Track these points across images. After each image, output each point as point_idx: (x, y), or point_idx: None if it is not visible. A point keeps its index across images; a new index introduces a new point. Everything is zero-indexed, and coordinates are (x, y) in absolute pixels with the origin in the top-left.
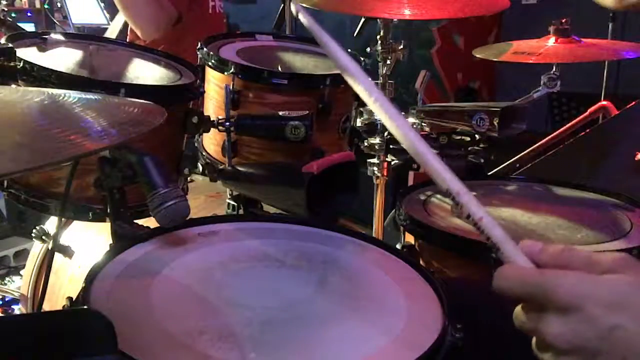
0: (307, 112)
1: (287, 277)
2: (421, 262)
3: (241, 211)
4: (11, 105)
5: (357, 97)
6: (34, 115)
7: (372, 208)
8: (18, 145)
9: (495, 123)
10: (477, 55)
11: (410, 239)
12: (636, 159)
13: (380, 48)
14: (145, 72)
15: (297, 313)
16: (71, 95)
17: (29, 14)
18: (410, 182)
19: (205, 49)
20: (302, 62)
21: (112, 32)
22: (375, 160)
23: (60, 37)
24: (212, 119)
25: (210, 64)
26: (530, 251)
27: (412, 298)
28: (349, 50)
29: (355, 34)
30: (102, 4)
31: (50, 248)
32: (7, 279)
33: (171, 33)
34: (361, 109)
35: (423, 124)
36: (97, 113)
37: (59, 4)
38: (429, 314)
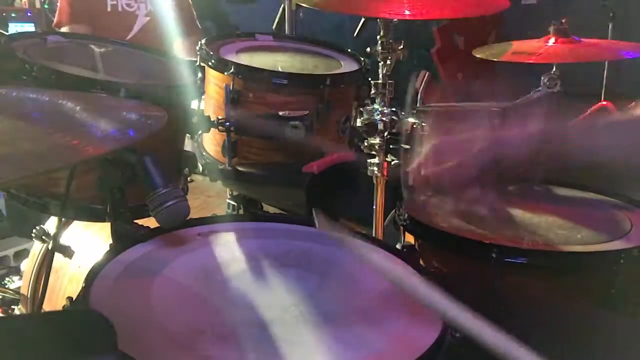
0: (307, 112)
1: (287, 277)
2: (421, 262)
3: (241, 211)
4: (12, 108)
5: (357, 97)
6: (35, 118)
7: (372, 208)
8: (20, 151)
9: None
10: (477, 55)
11: (410, 239)
12: None
13: (380, 48)
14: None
15: (296, 313)
16: (72, 97)
17: (29, 14)
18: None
19: (205, 49)
20: (302, 62)
21: None
22: (375, 160)
23: (60, 37)
24: (212, 119)
25: (210, 64)
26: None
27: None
28: (349, 50)
29: (355, 34)
30: None
31: (50, 248)
32: (7, 279)
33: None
34: (361, 109)
35: (423, 124)
36: (98, 115)
37: (58, 4)
38: (429, 314)
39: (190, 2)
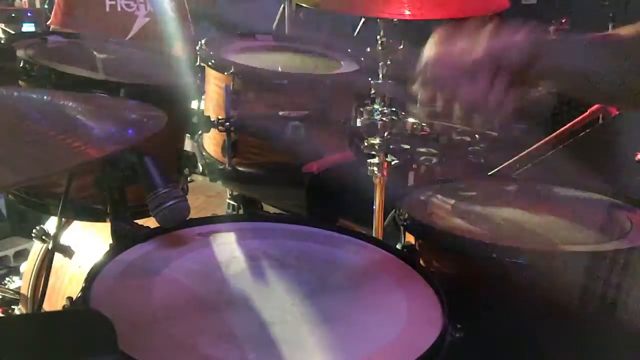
0: (307, 112)
1: (287, 277)
2: (421, 262)
3: (241, 211)
4: (12, 109)
5: (357, 97)
6: (35, 120)
7: (372, 208)
8: (20, 155)
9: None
10: None
11: (410, 239)
12: (636, 159)
13: (380, 48)
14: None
15: (297, 313)
16: (72, 97)
17: (29, 14)
18: (410, 182)
19: (205, 49)
20: (302, 62)
21: None
22: (375, 160)
23: (60, 37)
24: (212, 119)
25: (210, 64)
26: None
27: (412, 298)
28: (349, 50)
29: (355, 34)
30: None
31: (50, 248)
32: (7, 279)
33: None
34: (361, 109)
35: (423, 124)
36: (99, 116)
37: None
38: (429, 314)
39: (185, 1)
